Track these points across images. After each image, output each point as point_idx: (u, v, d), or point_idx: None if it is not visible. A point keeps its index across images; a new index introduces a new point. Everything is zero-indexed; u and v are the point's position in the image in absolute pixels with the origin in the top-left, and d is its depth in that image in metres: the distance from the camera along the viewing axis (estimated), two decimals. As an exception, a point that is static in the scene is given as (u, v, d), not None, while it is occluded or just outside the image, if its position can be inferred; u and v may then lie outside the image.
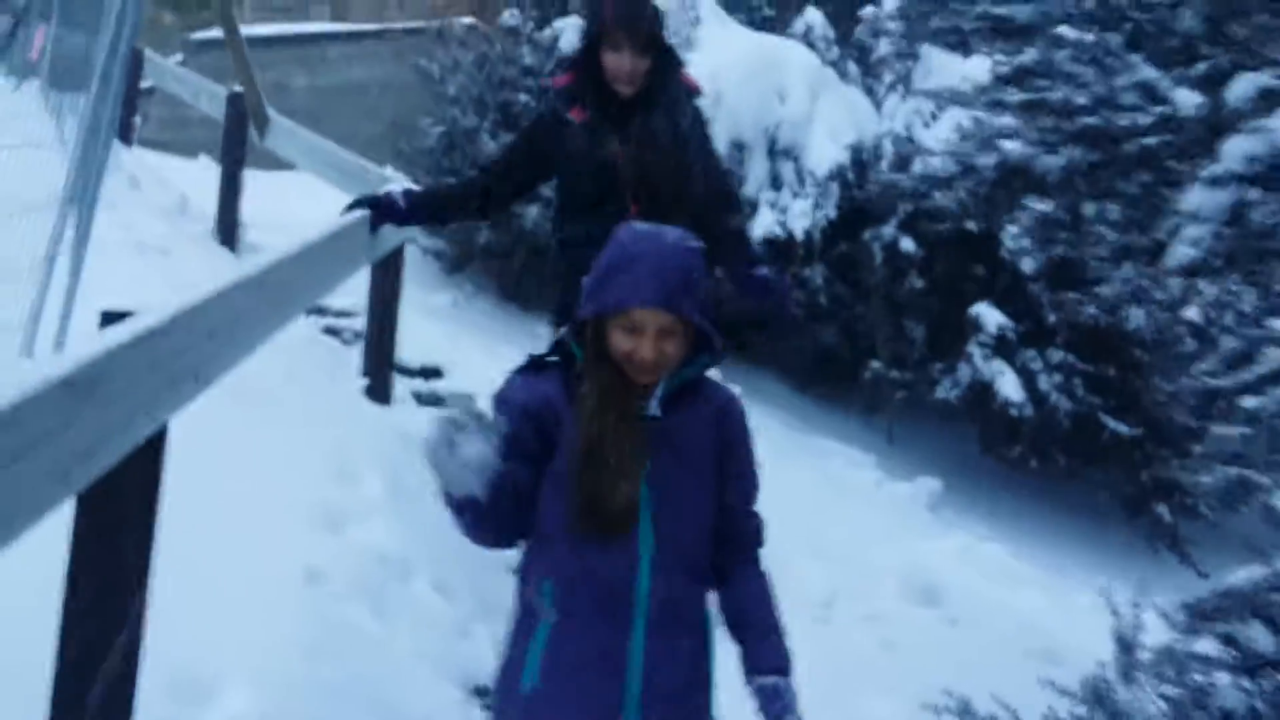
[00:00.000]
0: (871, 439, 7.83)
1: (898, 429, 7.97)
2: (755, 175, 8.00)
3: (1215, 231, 2.13)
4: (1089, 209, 2.92)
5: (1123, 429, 6.76)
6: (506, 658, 2.23)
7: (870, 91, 8.29)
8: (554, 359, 2.20)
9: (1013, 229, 5.05)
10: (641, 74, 3.60)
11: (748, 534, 2.28)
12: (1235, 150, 2.09)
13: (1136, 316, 4.01)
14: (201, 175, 9.13)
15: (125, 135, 8.52)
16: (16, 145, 4.93)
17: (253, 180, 8.16)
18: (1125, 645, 2.67)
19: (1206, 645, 2.46)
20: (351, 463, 4.47)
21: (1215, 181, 2.10)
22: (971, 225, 6.94)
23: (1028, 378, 7.02)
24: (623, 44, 3.58)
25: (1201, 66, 2.42)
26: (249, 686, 2.83)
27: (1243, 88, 2.21)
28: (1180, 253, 2.23)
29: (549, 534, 2.18)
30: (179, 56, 12.71)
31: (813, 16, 8.75)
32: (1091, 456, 7.04)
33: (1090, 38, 2.54)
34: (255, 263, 3.06)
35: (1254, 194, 2.06)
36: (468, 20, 10.95)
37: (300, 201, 7.59)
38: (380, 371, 5.60)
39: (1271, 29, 2.61)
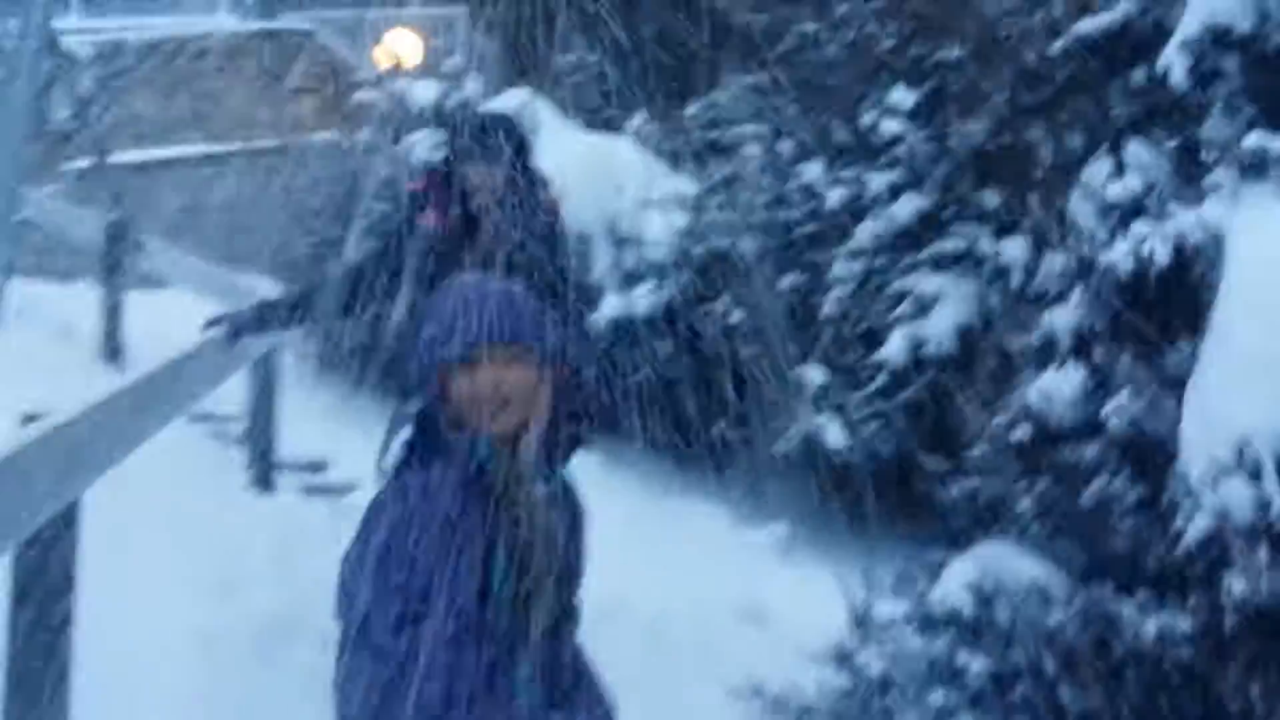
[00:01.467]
0: (725, 494, 8.54)
1: (749, 484, 8.70)
2: (601, 263, 8.76)
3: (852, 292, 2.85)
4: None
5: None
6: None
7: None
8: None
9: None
10: (500, 184, 3.76)
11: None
12: (865, 231, 2.82)
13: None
14: (81, 300, 9.59)
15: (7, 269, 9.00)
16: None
17: (132, 301, 8.69)
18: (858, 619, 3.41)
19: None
20: (240, 546, 5.06)
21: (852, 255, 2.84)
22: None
23: (852, 427, 7.80)
24: (478, 158, 3.76)
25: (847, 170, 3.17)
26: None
27: (878, 183, 2.95)
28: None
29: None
30: (52, 187, 13.17)
31: (639, 117, 9.57)
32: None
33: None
34: (137, 373, 3.69)
35: (880, 261, 2.77)
36: (325, 135, 11.65)
37: (180, 319, 8.14)
38: (264, 461, 6.22)
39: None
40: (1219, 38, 2.61)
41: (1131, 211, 2.27)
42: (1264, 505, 1.98)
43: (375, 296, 4.05)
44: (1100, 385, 2.46)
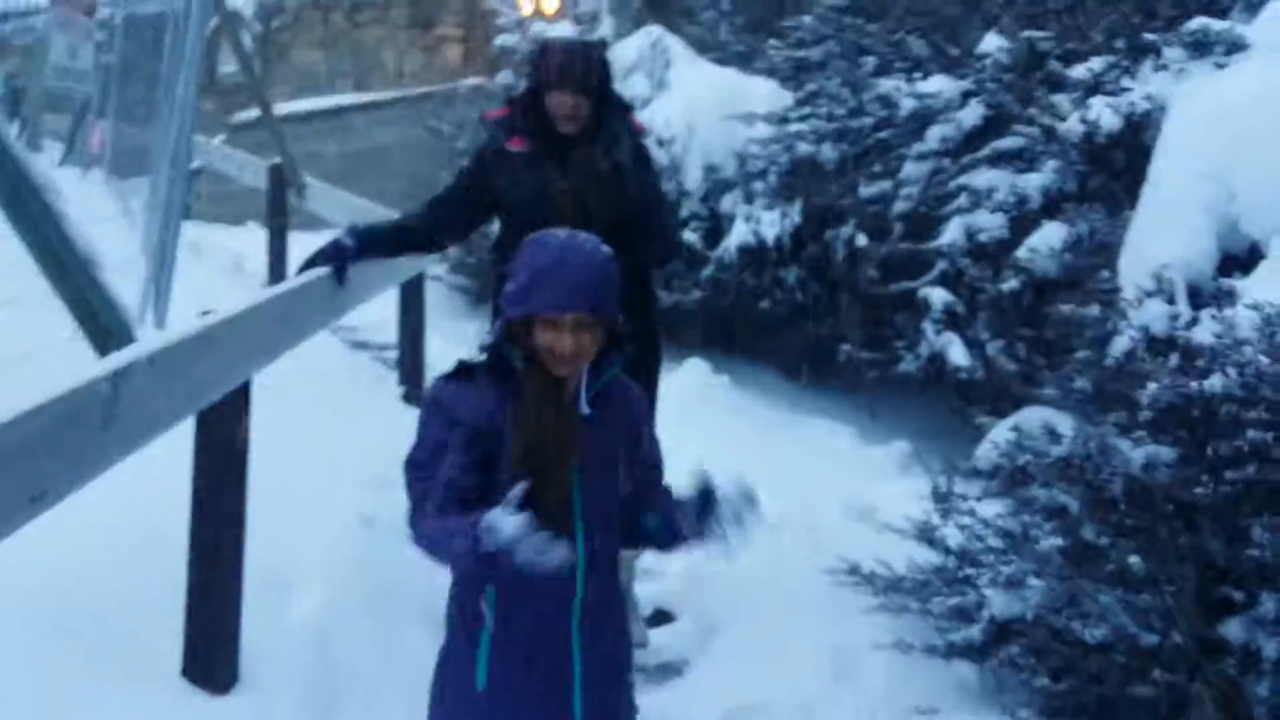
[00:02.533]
0: (853, 414, 8.82)
1: (876, 404, 8.97)
2: (730, 194, 9.08)
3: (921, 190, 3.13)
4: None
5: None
6: (450, 660, 2.43)
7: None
8: (485, 364, 2.33)
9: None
10: (583, 113, 3.78)
11: (653, 483, 2.51)
12: (933, 134, 3.09)
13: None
14: (250, 239, 10.36)
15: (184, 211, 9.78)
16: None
17: (296, 240, 9.37)
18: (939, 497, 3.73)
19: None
20: (393, 444, 5.62)
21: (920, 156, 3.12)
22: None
23: (979, 347, 8.00)
24: (566, 85, 3.74)
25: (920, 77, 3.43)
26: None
27: (946, 88, 3.20)
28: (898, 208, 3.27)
29: None
30: (222, 137, 14.06)
31: (773, 53, 9.81)
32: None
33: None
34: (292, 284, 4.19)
35: (945, 163, 3.05)
36: (473, 82, 12.19)
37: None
38: (413, 379, 6.79)
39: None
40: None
41: (1092, 89, 2.52)
42: (1174, 319, 2.26)
43: (466, 220, 4.11)
44: (1077, 240, 2.72)
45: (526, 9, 13.61)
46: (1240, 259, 2.20)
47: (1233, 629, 2.38)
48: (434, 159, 11.21)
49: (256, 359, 3.33)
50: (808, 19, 5.88)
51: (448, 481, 2.29)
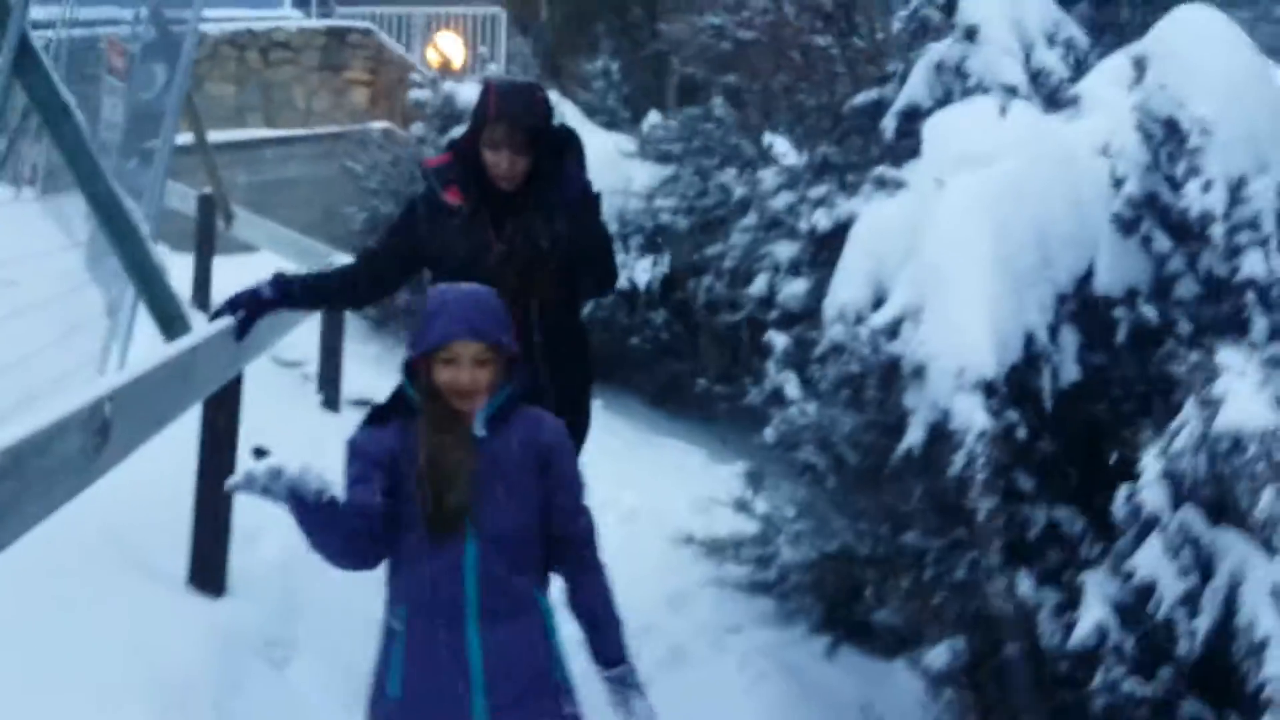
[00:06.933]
0: (705, 439, 10.22)
1: (727, 432, 10.38)
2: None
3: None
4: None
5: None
6: (374, 672, 2.66)
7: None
8: (392, 405, 2.65)
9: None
10: (520, 173, 3.53)
11: (579, 531, 2.66)
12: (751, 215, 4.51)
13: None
14: (181, 263, 11.31)
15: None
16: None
17: (220, 264, 10.41)
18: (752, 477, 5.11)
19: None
20: (317, 433, 6.80)
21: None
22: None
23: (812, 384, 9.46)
24: (501, 142, 3.50)
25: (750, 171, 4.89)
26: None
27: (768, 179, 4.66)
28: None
29: (398, 563, 2.61)
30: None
31: (654, 118, 11.17)
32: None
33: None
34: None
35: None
36: (383, 125, 13.37)
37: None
38: (331, 392, 7.98)
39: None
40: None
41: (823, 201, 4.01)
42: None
43: (392, 275, 3.90)
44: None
45: (435, 63, 14.87)
46: (880, 301, 3.49)
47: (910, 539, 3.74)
48: (340, 194, 12.30)
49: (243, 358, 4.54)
50: (673, 123, 7.76)
51: (347, 498, 2.50)
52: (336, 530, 2.46)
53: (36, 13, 4.54)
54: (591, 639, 2.64)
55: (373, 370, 9.92)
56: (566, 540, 2.62)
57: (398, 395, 2.62)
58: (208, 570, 4.50)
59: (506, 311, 2.61)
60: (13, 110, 6.50)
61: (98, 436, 2.72)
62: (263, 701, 3.99)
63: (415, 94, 11.05)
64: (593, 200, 3.70)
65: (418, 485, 2.51)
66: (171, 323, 4.15)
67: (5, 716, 3.09)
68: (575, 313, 3.88)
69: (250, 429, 6.08)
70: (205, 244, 10.07)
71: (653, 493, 7.28)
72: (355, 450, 2.58)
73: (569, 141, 3.69)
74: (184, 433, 4.52)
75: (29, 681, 3.22)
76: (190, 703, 3.66)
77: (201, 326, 4.21)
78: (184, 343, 3.80)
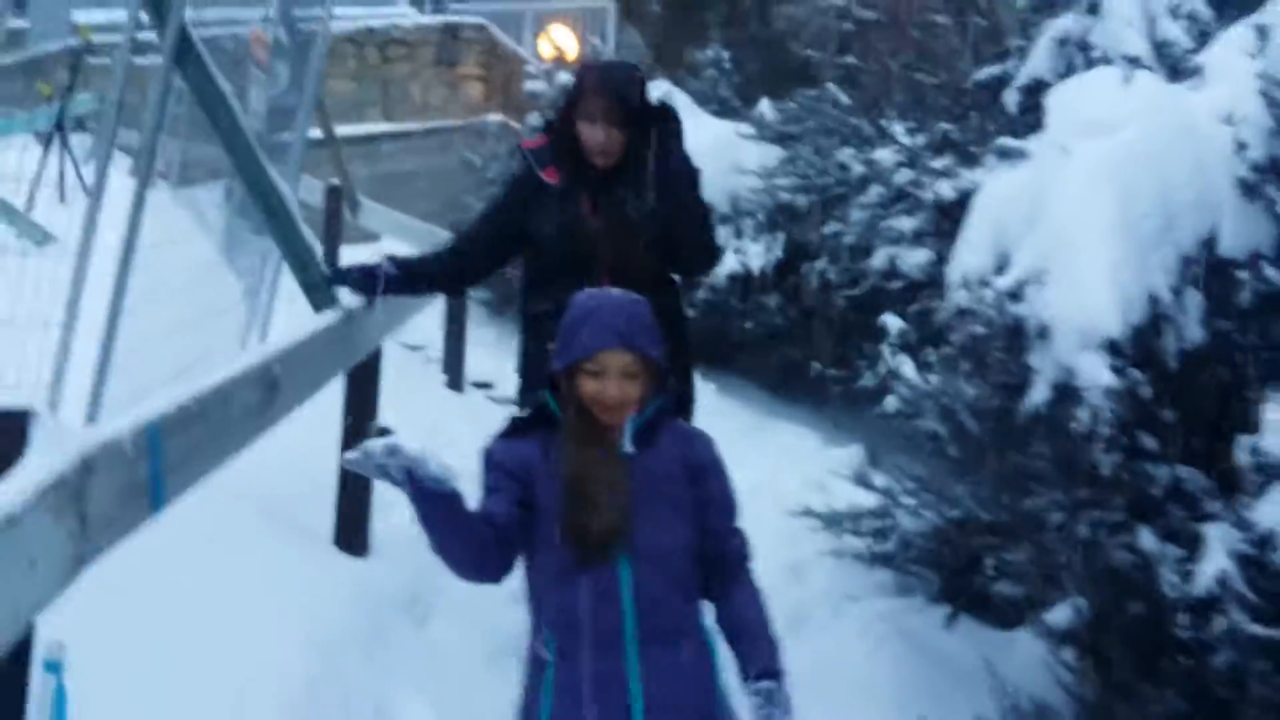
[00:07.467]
0: (819, 422, 10.30)
1: (841, 416, 10.44)
2: (723, 229, 10.57)
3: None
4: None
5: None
6: (522, 705, 2.48)
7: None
8: (533, 417, 2.49)
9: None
10: (616, 148, 3.61)
11: (732, 551, 2.52)
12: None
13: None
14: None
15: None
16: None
17: (347, 251, 10.81)
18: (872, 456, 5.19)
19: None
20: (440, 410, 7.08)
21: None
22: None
23: (928, 366, 9.48)
24: (597, 116, 3.58)
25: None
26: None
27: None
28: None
29: (540, 586, 2.46)
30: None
31: (764, 106, 11.27)
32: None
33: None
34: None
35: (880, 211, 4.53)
36: (497, 117, 13.69)
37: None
38: (455, 375, 8.28)
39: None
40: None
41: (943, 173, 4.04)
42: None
43: (493, 253, 3.99)
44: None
45: (548, 55, 15.16)
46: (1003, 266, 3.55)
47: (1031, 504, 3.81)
48: (457, 185, 12.66)
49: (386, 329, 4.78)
50: (791, 105, 7.92)
51: (479, 506, 2.41)
52: (459, 533, 2.31)
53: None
54: (740, 650, 2.45)
55: (491, 354, 10.21)
56: (719, 560, 2.50)
57: (539, 407, 2.49)
58: (352, 532, 4.75)
59: (656, 320, 2.47)
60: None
61: (269, 391, 2.94)
62: (408, 654, 4.23)
63: (530, 85, 11.29)
64: (691, 173, 3.74)
65: (566, 504, 2.37)
66: (321, 299, 4.41)
67: (172, 665, 3.34)
68: (673, 290, 3.90)
69: (385, 404, 6.40)
70: (333, 231, 10.43)
71: (769, 472, 7.40)
72: (491, 461, 2.47)
73: (667, 117, 3.73)
74: (328, 408, 4.78)
75: (195, 632, 3.45)
76: (344, 653, 3.90)
77: (347, 300, 4.45)
78: (337, 314, 4.05)
